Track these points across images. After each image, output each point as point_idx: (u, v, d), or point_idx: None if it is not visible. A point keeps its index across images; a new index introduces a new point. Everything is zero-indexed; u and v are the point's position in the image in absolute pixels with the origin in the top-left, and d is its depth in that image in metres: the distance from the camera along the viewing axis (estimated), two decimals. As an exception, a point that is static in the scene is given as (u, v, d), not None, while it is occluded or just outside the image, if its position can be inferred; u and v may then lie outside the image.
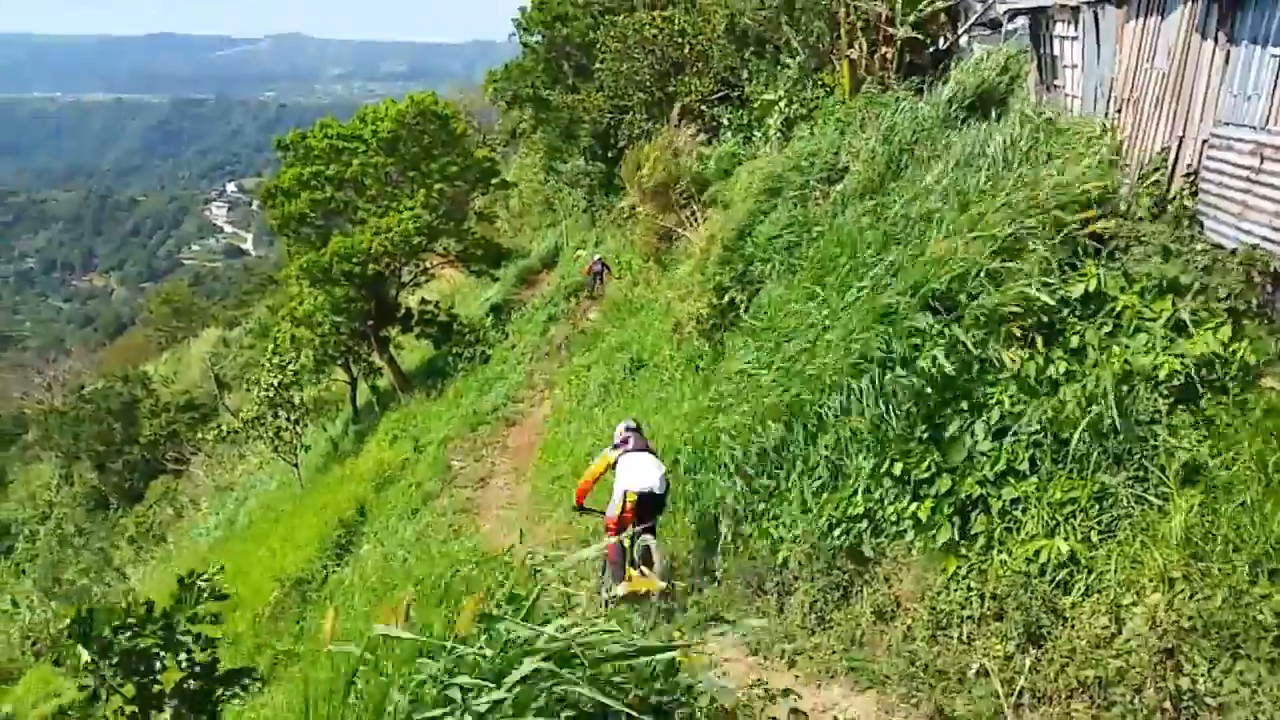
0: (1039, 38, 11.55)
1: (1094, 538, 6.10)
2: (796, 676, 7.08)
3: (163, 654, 4.68)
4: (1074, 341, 7.00)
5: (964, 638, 6.45)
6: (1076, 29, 10.00)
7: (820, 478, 8.24)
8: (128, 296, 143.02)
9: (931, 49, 16.17)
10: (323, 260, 26.42)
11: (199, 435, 38.57)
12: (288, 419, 26.22)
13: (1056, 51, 10.93)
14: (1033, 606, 6.05)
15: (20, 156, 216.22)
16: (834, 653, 7.21)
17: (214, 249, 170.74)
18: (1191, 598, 5.42)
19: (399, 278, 30.26)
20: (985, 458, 6.88)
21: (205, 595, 4.81)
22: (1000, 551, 6.50)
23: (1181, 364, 6.31)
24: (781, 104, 18.28)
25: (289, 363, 26.46)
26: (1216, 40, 7.15)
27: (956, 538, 6.77)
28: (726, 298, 13.43)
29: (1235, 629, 5.18)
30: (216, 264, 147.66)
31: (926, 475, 7.12)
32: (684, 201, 19.72)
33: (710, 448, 10.30)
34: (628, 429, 9.73)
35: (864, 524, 7.59)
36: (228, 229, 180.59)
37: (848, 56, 16.02)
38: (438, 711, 3.56)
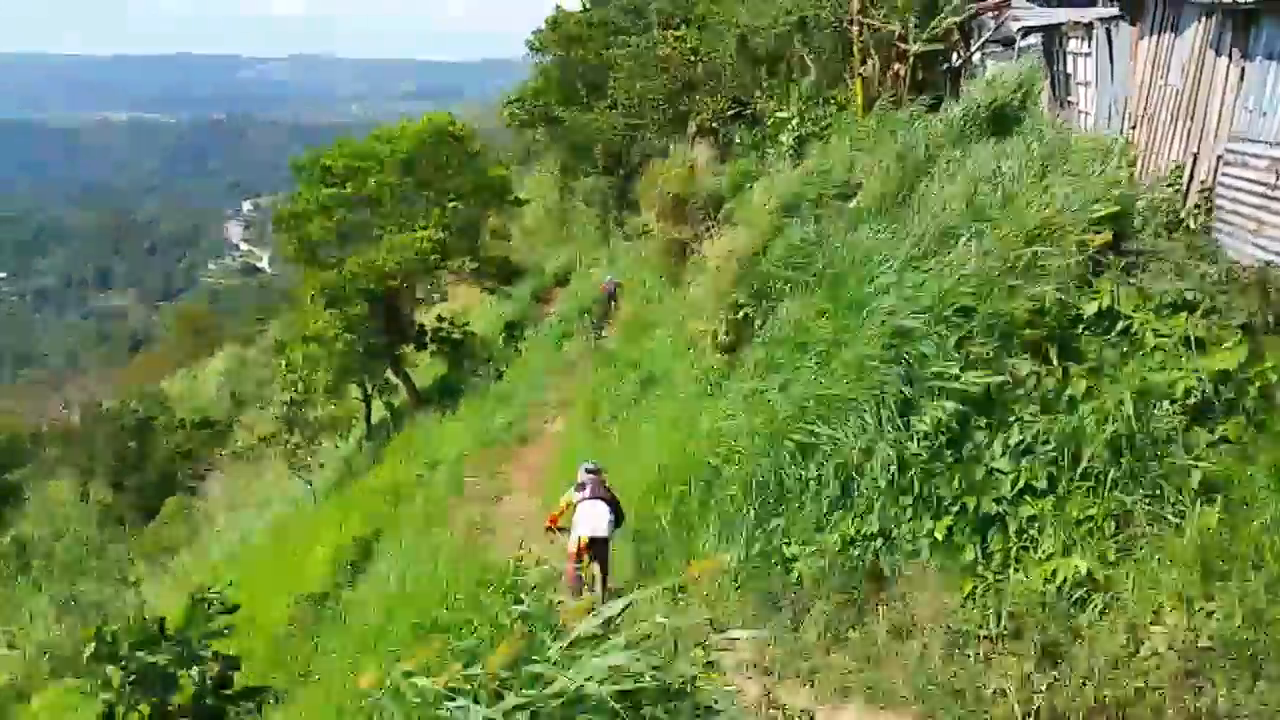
0: (1052, 55, 11.56)
1: (1111, 556, 6.07)
2: (814, 696, 7.04)
3: (178, 671, 4.70)
4: (1090, 359, 6.98)
5: (981, 657, 6.41)
6: (1090, 46, 10.02)
7: (833, 495, 8.21)
8: (145, 314, 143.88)
9: (944, 66, 16.20)
10: (338, 280, 26.55)
11: (214, 453, 38.71)
12: (303, 436, 26.31)
13: (1070, 68, 10.94)
14: (1050, 626, 6.02)
15: (39, 175, 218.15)
16: (850, 671, 7.16)
17: (230, 267, 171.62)
18: (1211, 617, 5.38)
19: (413, 295, 30.37)
20: (1003, 475, 6.86)
21: (215, 609, 4.84)
22: (1017, 570, 6.47)
23: (1198, 381, 6.29)
24: (794, 121, 18.32)
25: (299, 380, 26.58)
26: (1231, 56, 7.15)
27: (973, 556, 6.74)
28: (742, 314, 13.43)
29: (1256, 649, 5.14)
30: (233, 282, 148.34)
31: (943, 493, 7.10)
32: (700, 217, 19.76)
33: (726, 464, 10.28)
34: (588, 471, 10.73)
35: (880, 542, 7.56)
36: (244, 247, 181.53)
37: (860, 74, 16.06)
38: None
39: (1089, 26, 9.86)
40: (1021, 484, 6.70)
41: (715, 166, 22.01)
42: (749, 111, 23.16)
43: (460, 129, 29.91)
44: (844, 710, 6.87)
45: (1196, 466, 6.04)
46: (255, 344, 61.57)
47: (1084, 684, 5.72)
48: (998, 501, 6.77)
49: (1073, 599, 6.06)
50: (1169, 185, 8.07)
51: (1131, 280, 7.36)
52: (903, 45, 15.50)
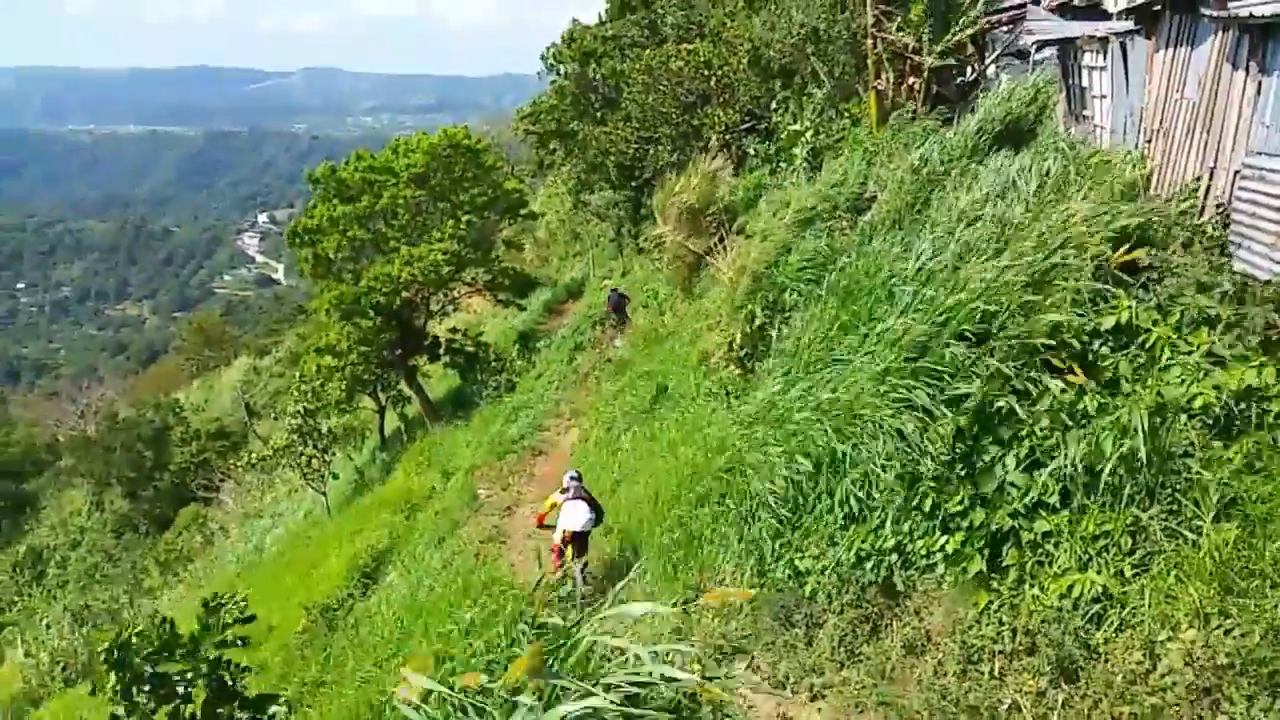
0: (1067, 68, 11.55)
1: (1127, 572, 6.02)
2: (821, 710, 7.01)
3: (191, 680, 4.71)
4: (1107, 373, 6.94)
5: (995, 673, 6.37)
6: (1105, 60, 10.00)
7: (848, 509, 8.18)
8: (160, 325, 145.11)
9: (959, 79, 16.20)
10: (353, 293, 26.70)
11: (229, 463, 38.90)
12: (316, 447, 26.43)
13: (1085, 82, 10.92)
14: (1065, 642, 5.97)
15: (57, 187, 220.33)
16: (863, 687, 7.12)
17: (246, 278, 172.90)
18: (1228, 634, 5.33)
19: (427, 306, 30.49)
20: (1017, 490, 6.82)
21: (230, 618, 4.85)
22: (1032, 585, 6.43)
23: (1217, 396, 6.24)
24: (807, 134, 18.34)
25: (312, 391, 26.72)
26: (1248, 71, 7.12)
27: (987, 571, 6.70)
28: (757, 326, 13.42)
29: (1275, 666, 5.09)
30: (248, 293, 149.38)
31: (958, 508, 7.06)
32: (714, 229, 19.78)
33: (738, 477, 10.26)
34: (571, 479, 12.63)
35: (894, 557, 7.52)
36: (259, 259, 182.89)
37: (875, 87, 16.07)
38: None
39: (1104, 40, 9.85)
40: (1035, 498, 6.67)
41: (729, 179, 22.04)
42: (763, 125, 23.21)
43: (475, 142, 30.06)
44: (857, 726, 6.83)
45: (1215, 482, 5.99)
46: (271, 355, 61.94)
47: (1100, 700, 5.68)
48: (1012, 516, 6.73)
49: (1088, 615, 6.02)
50: (1186, 199, 8.03)
51: (1150, 294, 7.33)
52: (917, 58, 15.51)
